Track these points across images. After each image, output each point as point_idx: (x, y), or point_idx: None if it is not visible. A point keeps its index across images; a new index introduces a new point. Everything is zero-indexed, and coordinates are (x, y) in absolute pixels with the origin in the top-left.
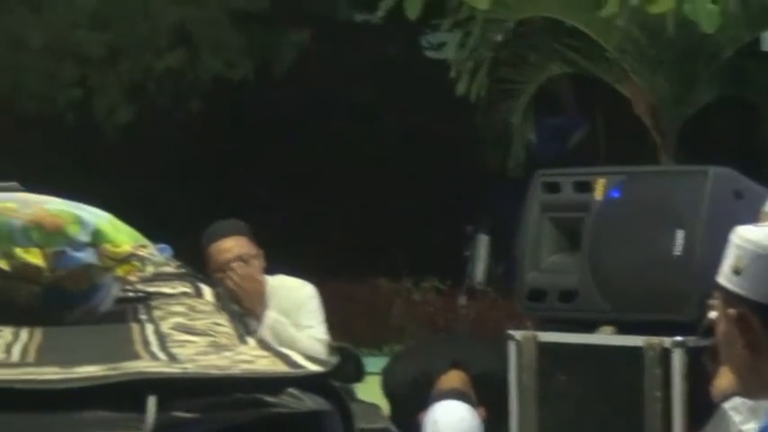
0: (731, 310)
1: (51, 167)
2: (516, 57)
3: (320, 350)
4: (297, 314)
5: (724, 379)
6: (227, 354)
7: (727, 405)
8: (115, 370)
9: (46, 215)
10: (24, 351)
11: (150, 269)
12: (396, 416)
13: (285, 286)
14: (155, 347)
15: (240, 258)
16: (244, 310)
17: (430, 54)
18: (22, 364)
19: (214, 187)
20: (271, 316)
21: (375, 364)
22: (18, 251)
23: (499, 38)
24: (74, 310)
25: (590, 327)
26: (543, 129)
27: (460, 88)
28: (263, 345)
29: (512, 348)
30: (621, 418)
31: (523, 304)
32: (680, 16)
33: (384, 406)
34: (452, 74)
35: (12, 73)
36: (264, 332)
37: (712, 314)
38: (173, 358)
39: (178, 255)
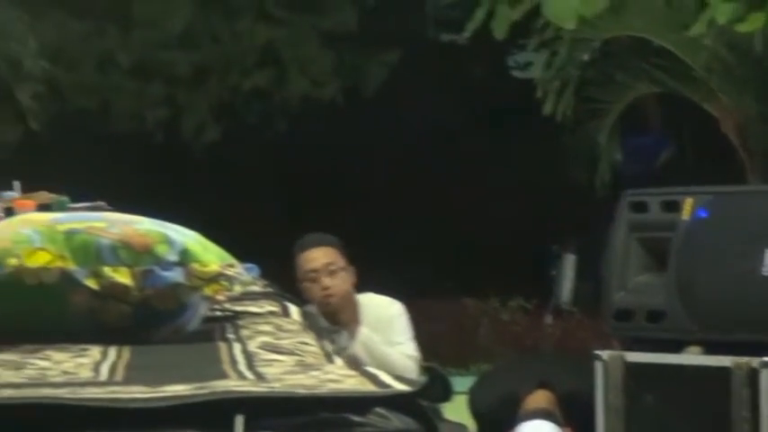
0: None
1: (139, 186)
2: (603, 76)
3: (412, 367)
4: (386, 331)
5: None
6: (315, 373)
7: None
8: (203, 389)
9: (134, 234)
10: (112, 370)
11: (238, 288)
12: None
13: (374, 304)
14: (242, 366)
15: (328, 268)
16: (335, 325)
17: (516, 74)
18: (110, 382)
19: (301, 207)
20: (363, 332)
21: (462, 383)
22: (107, 270)
23: (586, 57)
24: (162, 329)
25: (677, 347)
26: (630, 148)
27: (547, 108)
28: (351, 364)
29: (598, 368)
30: None
31: (610, 324)
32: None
33: (471, 426)
34: (539, 93)
35: (102, 92)
36: (357, 348)
37: None
38: (260, 377)
39: (265, 274)
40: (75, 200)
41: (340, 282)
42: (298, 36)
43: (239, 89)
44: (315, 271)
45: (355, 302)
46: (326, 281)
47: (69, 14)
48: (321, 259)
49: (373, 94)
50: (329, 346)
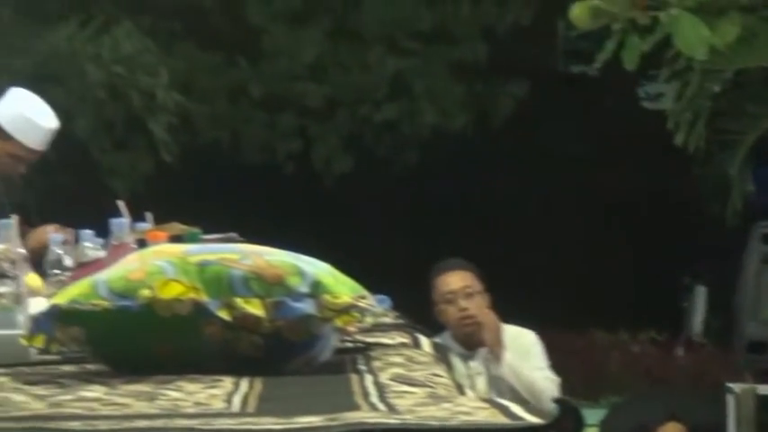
0: None
1: (270, 217)
2: (734, 107)
3: (555, 391)
4: (525, 358)
5: None
6: (446, 405)
7: None
8: (335, 420)
9: (266, 266)
10: (244, 401)
11: (369, 320)
12: None
13: (508, 334)
14: (374, 398)
15: (464, 291)
16: (470, 349)
17: (647, 105)
18: (242, 414)
19: (431, 237)
20: (508, 355)
21: (593, 416)
22: (239, 301)
23: (717, 88)
24: (293, 361)
25: None
26: (761, 179)
27: (679, 139)
28: (482, 396)
29: (730, 401)
30: None
31: (742, 356)
32: None
33: None
34: (670, 125)
35: (233, 124)
36: (504, 370)
37: None
38: (392, 409)
39: (397, 305)
40: (206, 231)
41: (476, 305)
42: (428, 67)
43: (370, 120)
44: (452, 293)
45: (499, 326)
46: (463, 303)
47: (200, 47)
48: (458, 282)
49: (502, 124)
50: (461, 378)
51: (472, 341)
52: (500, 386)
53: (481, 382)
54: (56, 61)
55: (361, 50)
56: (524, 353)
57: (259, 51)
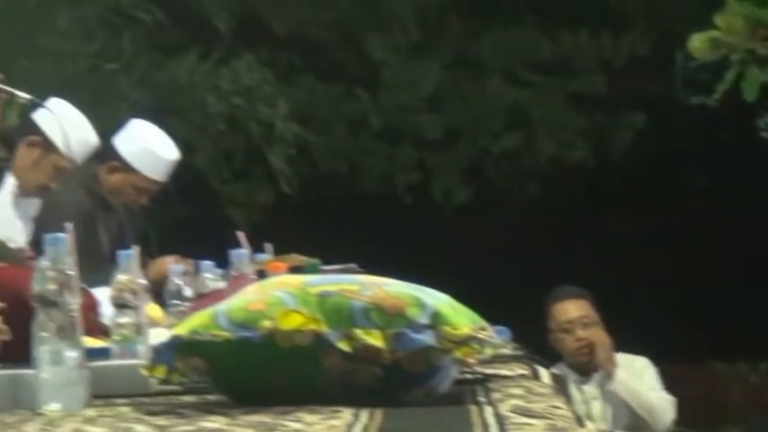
0: None
1: (390, 248)
2: None
3: (671, 409)
4: (637, 381)
5: None
6: None
7: None
8: None
9: (387, 297)
10: None
11: (489, 351)
12: None
13: (621, 359)
14: (493, 430)
15: (582, 320)
16: (585, 375)
17: (766, 135)
18: None
19: (551, 269)
20: (621, 374)
21: None
22: (359, 333)
23: None
24: (413, 392)
25: None
26: None
27: None
28: (601, 428)
29: None
30: None
31: None
32: None
33: None
34: None
35: (352, 155)
36: (618, 387)
37: None
38: None
39: (516, 336)
40: (326, 262)
41: (593, 334)
42: (546, 98)
43: (488, 151)
44: (569, 322)
45: (611, 345)
46: (580, 332)
47: (319, 78)
48: (575, 311)
49: (621, 155)
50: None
51: (587, 368)
52: (614, 404)
53: (597, 407)
54: (176, 93)
55: (480, 81)
56: (638, 376)
57: (378, 83)
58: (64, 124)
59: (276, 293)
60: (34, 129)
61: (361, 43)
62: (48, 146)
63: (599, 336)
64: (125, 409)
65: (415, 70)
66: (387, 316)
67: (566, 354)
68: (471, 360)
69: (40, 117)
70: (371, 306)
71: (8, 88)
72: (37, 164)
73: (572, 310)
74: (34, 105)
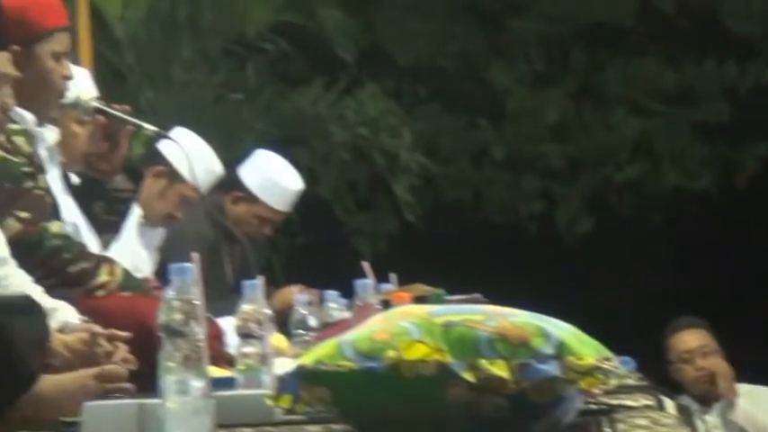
0: None
1: (513, 277)
2: None
3: None
4: (758, 408)
5: None
6: None
7: None
8: None
9: (511, 327)
10: None
11: (613, 382)
12: None
13: (742, 389)
14: None
15: (702, 350)
16: (705, 405)
17: None
18: None
19: (674, 300)
20: (743, 404)
21: None
22: (484, 363)
23: None
24: (537, 422)
25: None
26: None
27: None
28: None
29: None
30: None
31: None
32: None
33: None
34: None
35: (475, 185)
36: (738, 415)
37: None
38: None
39: (640, 367)
40: (450, 292)
41: (714, 363)
42: (670, 127)
43: (612, 180)
44: (689, 352)
45: (732, 374)
46: (700, 362)
47: (443, 108)
48: (695, 341)
49: (747, 185)
50: None
51: (708, 397)
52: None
53: None
54: (301, 123)
55: (604, 111)
56: (759, 405)
57: (502, 113)
58: (189, 154)
59: (401, 323)
60: (160, 159)
61: (485, 73)
62: (173, 176)
63: (719, 365)
64: None
65: (538, 100)
66: (511, 346)
67: (686, 384)
68: (596, 390)
69: (166, 147)
70: (496, 336)
71: (135, 120)
72: (163, 194)
73: (691, 340)
74: (160, 137)
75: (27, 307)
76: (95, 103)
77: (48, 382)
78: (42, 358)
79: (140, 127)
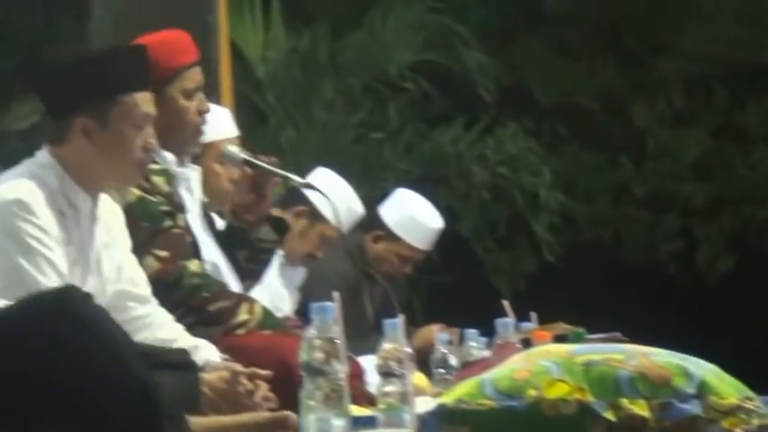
0: None
1: (653, 316)
2: None
3: None
4: None
5: None
6: None
7: None
8: None
9: (652, 366)
10: None
11: (756, 421)
12: None
13: None
14: None
15: None
16: None
17: None
18: None
19: None
20: None
21: None
22: (625, 402)
23: None
24: None
25: None
26: None
27: None
28: None
29: None
30: None
31: None
32: None
33: None
34: None
35: (615, 223)
36: None
37: None
38: None
39: None
40: (590, 330)
41: None
42: None
43: (754, 219)
44: None
45: None
46: None
47: (583, 147)
48: None
49: None
50: None
51: None
52: None
53: None
54: (441, 162)
55: (745, 149)
56: None
57: (643, 151)
58: (330, 194)
59: (541, 362)
60: (301, 198)
61: (625, 112)
62: (314, 215)
63: None
64: None
65: (679, 138)
66: (652, 385)
67: None
68: (738, 430)
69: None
70: (637, 375)
71: (282, 172)
72: (304, 233)
73: None
74: (307, 187)
75: (182, 363)
76: (244, 155)
77: (204, 423)
78: (191, 414)
79: (287, 179)
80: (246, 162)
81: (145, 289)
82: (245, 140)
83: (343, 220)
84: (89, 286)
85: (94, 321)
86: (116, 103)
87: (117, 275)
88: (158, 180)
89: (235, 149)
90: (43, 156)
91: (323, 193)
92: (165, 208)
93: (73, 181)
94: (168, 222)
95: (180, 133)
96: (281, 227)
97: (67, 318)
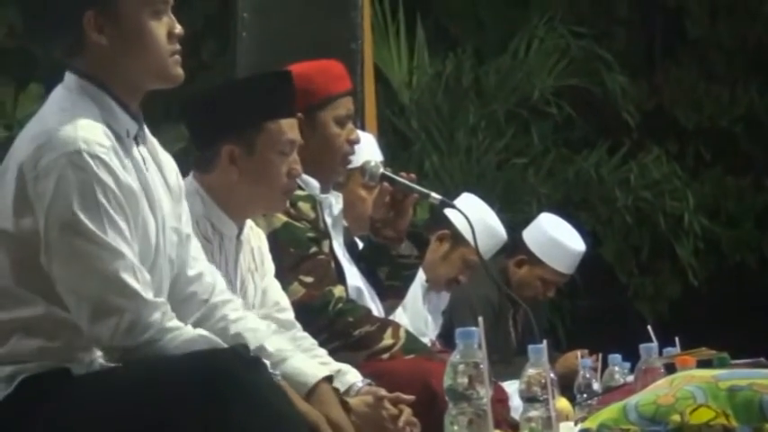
0: None
1: None
2: None
3: None
4: None
5: None
6: None
7: None
8: None
9: None
10: None
11: None
12: None
13: None
14: None
15: None
16: None
17: None
18: None
19: None
20: None
21: None
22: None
23: None
24: None
25: None
26: None
27: None
28: None
29: None
30: None
31: None
32: None
33: None
34: None
35: (760, 246)
36: None
37: None
38: None
39: None
40: (734, 356)
41: None
42: None
43: None
44: None
45: None
46: None
47: (727, 170)
48: None
49: None
50: None
51: None
52: None
53: None
54: (584, 187)
55: None
56: None
57: None
58: (474, 219)
59: (686, 387)
60: (445, 222)
61: None
62: (457, 239)
63: None
64: None
65: None
66: None
67: None
68: None
69: (451, 211)
70: None
71: (421, 188)
72: (446, 257)
73: None
74: (444, 205)
75: None
76: (383, 170)
77: None
78: None
79: (426, 195)
80: (386, 177)
81: (289, 314)
82: (389, 166)
83: (486, 246)
84: None
85: None
86: (263, 129)
87: (262, 300)
88: (304, 206)
89: (375, 166)
90: (188, 183)
91: (461, 211)
92: (310, 234)
93: (218, 207)
94: (314, 248)
95: (328, 160)
96: (421, 242)
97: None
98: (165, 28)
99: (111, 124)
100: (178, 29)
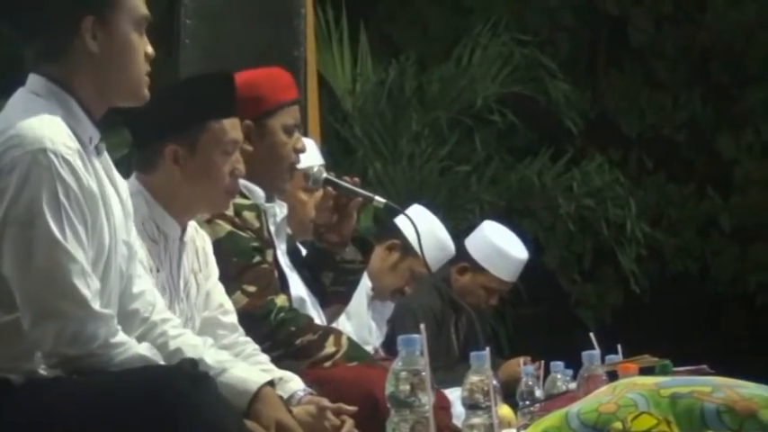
0: None
1: (739, 348)
2: None
3: None
4: None
5: None
6: None
7: None
8: None
9: (739, 399)
10: None
11: None
12: None
13: None
14: None
15: None
16: None
17: None
18: None
19: None
20: None
21: None
22: None
23: None
24: None
25: None
26: None
27: None
28: None
29: None
30: None
31: None
32: None
33: None
34: None
35: (703, 255)
36: None
37: None
38: None
39: None
40: (676, 363)
41: None
42: None
43: None
44: None
45: None
46: None
47: (670, 178)
48: None
49: None
50: None
51: None
52: None
53: None
54: (527, 194)
55: None
56: None
57: (730, 183)
58: (423, 230)
59: (628, 395)
60: (395, 232)
61: (712, 143)
62: (406, 250)
63: None
64: None
65: (766, 169)
66: (739, 418)
67: None
68: None
69: (401, 221)
70: (724, 408)
71: (365, 192)
72: (395, 267)
73: None
74: (389, 209)
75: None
76: (326, 174)
77: None
78: None
79: (370, 199)
80: (329, 182)
81: (233, 317)
82: (333, 172)
83: (434, 258)
84: (177, 313)
85: None
86: (206, 129)
87: (205, 303)
88: (249, 215)
89: (318, 170)
90: (131, 184)
91: (407, 215)
92: (255, 244)
93: (161, 207)
94: (257, 258)
95: (275, 168)
96: (365, 246)
97: None
98: (230, 166)
99: (76, 130)
100: (150, 50)
